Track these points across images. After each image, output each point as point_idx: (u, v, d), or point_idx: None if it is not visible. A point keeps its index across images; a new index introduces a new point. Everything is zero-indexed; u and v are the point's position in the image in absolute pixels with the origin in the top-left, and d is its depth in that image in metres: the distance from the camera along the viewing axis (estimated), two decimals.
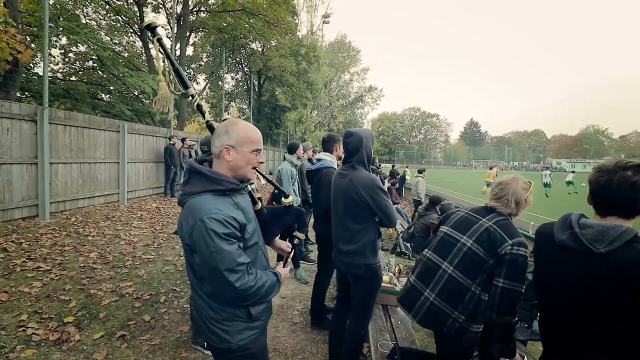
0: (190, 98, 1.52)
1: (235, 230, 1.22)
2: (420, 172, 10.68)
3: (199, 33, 15.43)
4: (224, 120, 1.40)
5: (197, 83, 19.65)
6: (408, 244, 5.54)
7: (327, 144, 3.20)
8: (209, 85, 19.02)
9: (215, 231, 1.16)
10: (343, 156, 2.35)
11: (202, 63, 19.19)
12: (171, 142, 9.50)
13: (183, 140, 10.16)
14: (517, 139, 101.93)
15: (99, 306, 3.21)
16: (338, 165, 3.06)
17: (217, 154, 1.29)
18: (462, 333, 1.63)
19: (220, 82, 20.98)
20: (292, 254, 1.70)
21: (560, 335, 1.26)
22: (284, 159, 5.18)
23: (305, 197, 4.95)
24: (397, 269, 3.09)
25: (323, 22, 30.62)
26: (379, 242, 2.25)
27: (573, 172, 18.88)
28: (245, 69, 21.18)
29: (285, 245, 1.70)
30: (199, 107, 1.51)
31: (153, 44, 1.46)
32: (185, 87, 1.52)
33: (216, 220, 1.17)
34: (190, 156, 10.59)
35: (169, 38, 13.93)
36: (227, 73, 19.89)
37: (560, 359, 1.26)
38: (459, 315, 1.62)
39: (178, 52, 12.48)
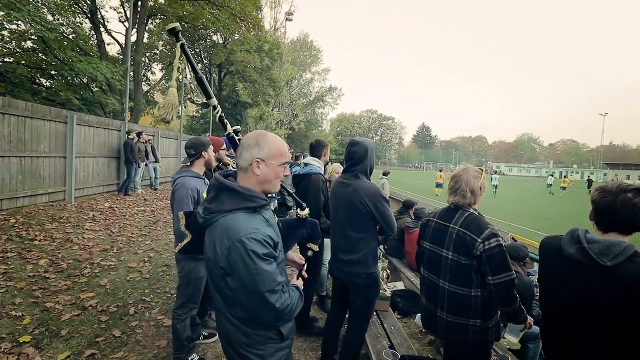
0: (212, 109, 1.42)
1: (272, 249, 1.17)
2: (385, 174, 11.08)
3: (156, 20, 14.36)
4: (227, 133, 1.33)
5: (153, 73, 18.34)
6: (381, 246, 5.71)
7: (316, 149, 3.18)
8: (165, 76, 17.77)
9: (256, 252, 1.10)
10: (344, 164, 2.36)
11: (157, 52, 17.89)
12: (130, 137, 8.77)
13: (139, 134, 9.44)
14: (462, 144, 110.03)
15: (59, 322, 2.86)
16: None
17: (246, 167, 1.22)
18: (485, 333, 1.72)
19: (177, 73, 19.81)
20: (305, 266, 1.67)
21: (563, 339, 1.39)
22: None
23: (283, 200, 4.87)
24: (384, 274, 3.17)
25: (286, 19, 30.34)
26: (378, 250, 2.29)
27: (498, 175, 21.65)
28: (205, 62, 20.17)
29: (298, 257, 1.66)
30: (221, 118, 1.42)
31: (176, 50, 1.34)
32: (208, 97, 1.42)
33: (256, 240, 1.11)
34: (146, 152, 9.88)
35: (122, 22, 12.83)
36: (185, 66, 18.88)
37: (558, 352, 1.39)
38: (474, 321, 1.70)
39: (134, 38, 11.52)
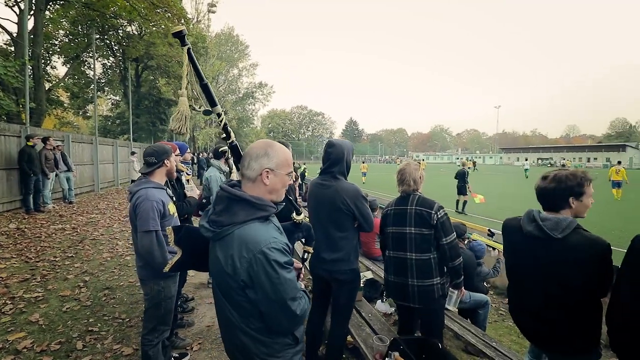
0: (217, 117, 1.34)
1: (290, 256, 1.18)
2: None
3: (56, 4, 12.22)
4: (219, 144, 1.31)
5: (54, 68, 15.55)
6: None
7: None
8: (71, 71, 15.30)
9: (279, 261, 1.10)
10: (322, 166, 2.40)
11: (57, 42, 15.26)
12: (29, 144, 7.41)
13: (45, 140, 8.08)
14: (386, 136, 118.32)
15: None
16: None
17: (254, 177, 1.20)
18: (442, 289, 2.18)
19: (83, 68, 17.17)
20: (302, 269, 1.70)
21: (529, 301, 1.67)
22: (207, 164, 4.79)
23: None
24: None
25: (209, 12, 28.61)
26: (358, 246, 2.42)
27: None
28: (118, 55, 17.88)
29: (295, 261, 1.68)
30: (225, 126, 1.35)
31: (183, 54, 1.23)
32: (213, 104, 1.33)
33: (277, 249, 1.11)
34: (55, 160, 8.50)
35: (11, 7, 10.64)
36: (97, 59, 16.37)
37: (529, 317, 1.68)
38: (436, 279, 2.15)
39: (31, 26, 9.66)
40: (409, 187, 2.25)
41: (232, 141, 1.39)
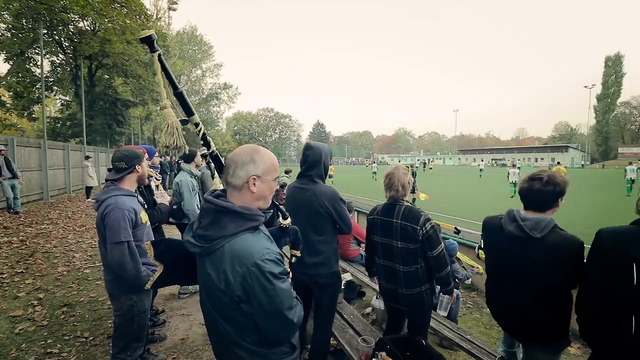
0: (194, 127, 1.29)
1: (284, 265, 1.16)
2: (286, 172, 11.39)
3: None
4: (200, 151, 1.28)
5: None
6: None
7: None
8: (14, 68, 13.84)
9: (273, 273, 1.07)
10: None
11: None
12: None
13: None
14: (353, 139, 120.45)
15: None
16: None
17: (241, 185, 1.15)
18: (432, 295, 2.21)
19: (28, 65, 15.59)
20: (290, 273, 1.68)
21: (510, 297, 1.77)
22: (179, 168, 4.61)
23: None
24: None
25: (169, 9, 27.43)
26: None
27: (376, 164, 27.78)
28: (69, 52, 16.46)
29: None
30: (204, 136, 1.30)
31: (153, 61, 1.16)
32: (190, 113, 1.27)
33: (270, 260, 1.08)
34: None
35: None
36: (45, 56, 14.90)
37: (508, 311, 1.79)
38: (425, 286, 2.16)
39: None
40: (397, 193, 2.18)
41: (213, 151, 1.35)
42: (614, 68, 64.22)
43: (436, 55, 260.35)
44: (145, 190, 2.88)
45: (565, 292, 1.65)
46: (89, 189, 12.04)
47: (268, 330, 1.13)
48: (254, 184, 1.15)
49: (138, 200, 2.32)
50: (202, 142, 1.35)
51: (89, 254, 5.65)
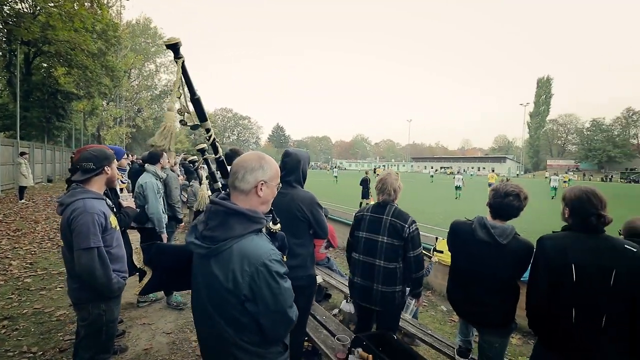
0: (205, 132, 1.32)
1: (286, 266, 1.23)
2: None
3: None
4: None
5: None
6: None
7: (233, 159, 3.11)
8: None
9: (279, 272, 1.14)
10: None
11: None
12: None
13: None
14: (312, 143, 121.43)
15: None
16: None
17: (249, 189, 1.21)
18: (402, 297, 2.34)
19: None
20: None
21: (471, 291, 2.03)
22: (140, 169, 4.40)
23: (173, 213, 4.39)
24: None
25: None
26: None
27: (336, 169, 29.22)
28: (2, 35, 14.52)
29: None
30: (214, 142, 1.34)
31: (177, 66, 1.17)
32: (203, 119, 1.30)
33: (277, 261, 1.15)
34: None
35: None
36: None
37: (470, 304, 2.04)
38: (398, 287, 2.30)
39: None
40: (389, 197, 2.36)
41: (220, 156, 1.39)
42: (544, 89, 72.59)
43: (392, 68, 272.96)
44: (110, 193, 2.74)
45: (515, 286, 1.95)
46: (22, 189, 10.79)
47: (269, 329, 1.17)
48: (261, 188, 1.22)
49: (107, 204, 2.22)
50: (211, 148, 1.39)
51: (28, 261, 5.11)
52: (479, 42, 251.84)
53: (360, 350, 1.89)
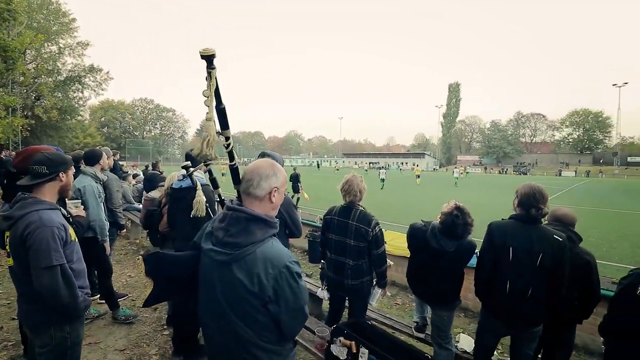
0: (225, 139, 1.34)
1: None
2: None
3: None
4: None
5: None
6: None
7: (189, 159, 2.99)
8: None
9: (298, 273, 1.24)
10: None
11: None
12: None
13: None
14: (244, 138, 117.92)
15: None
16: None
17: (263, 196, 1.27)
18: (370, 284, 2.61)
19: None
20: None
21: (426, 279, 2.40)
22: (77, 171, 3.91)
23: (114, 219, 4.01)
24: None
25: None
26: None
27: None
28: None
29: None
30: (231, 151, 1.38)
31: (209, 77, 1.17)
32: (226, 127, 1.32)
33: (295, 262, 1.25)
34: None
35: None
36: None
37: (426, 287, 2.41)
38: (367, 278, 2.59)
39: None
40: (355, 198, 2.56)
41: (234, 163, 1.42)
42: (454, 93, 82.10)
43: (330, 57, 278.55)
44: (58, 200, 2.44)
45: (461, 272, 2.40)
46: None
47: (288, 326, 1.27)
48: (274, 195, 1.29)
49: (62, 214, 2.01)
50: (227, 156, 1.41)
51: None
52: (406, 41, 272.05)
53: (342, 339, 2.08)
